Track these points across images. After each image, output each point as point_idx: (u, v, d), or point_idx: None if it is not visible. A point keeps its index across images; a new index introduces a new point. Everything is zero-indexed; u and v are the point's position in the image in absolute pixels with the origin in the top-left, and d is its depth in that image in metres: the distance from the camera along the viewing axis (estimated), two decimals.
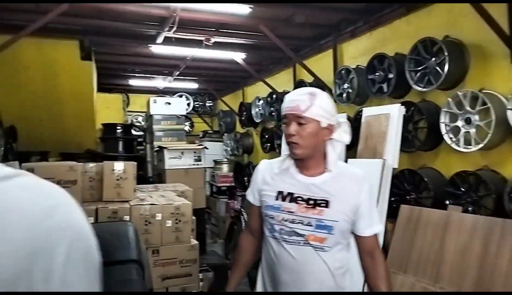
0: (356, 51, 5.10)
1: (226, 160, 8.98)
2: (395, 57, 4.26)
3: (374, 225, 1.73)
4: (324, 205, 1.66)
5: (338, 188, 1.68)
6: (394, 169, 3.88)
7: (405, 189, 4.00)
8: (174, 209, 2.92)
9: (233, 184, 8.15)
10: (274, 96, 6.77)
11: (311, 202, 1.67)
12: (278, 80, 6.94)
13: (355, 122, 4.72)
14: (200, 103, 10.49)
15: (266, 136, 7.24)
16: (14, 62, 4.94)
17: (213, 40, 5.39)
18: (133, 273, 1.43)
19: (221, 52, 5.94)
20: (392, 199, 3.95)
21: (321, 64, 5.69)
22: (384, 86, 4.36)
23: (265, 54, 6.57)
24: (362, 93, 4.79)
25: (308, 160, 1.70)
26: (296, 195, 1.70)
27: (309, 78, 5.76)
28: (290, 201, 1.70)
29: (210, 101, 10.59)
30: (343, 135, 1.72)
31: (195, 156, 6.44)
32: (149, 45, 5.54)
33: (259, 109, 7.43)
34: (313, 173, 1.71)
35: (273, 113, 6.85)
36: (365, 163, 3.97)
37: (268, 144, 7.15)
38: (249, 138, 8.40)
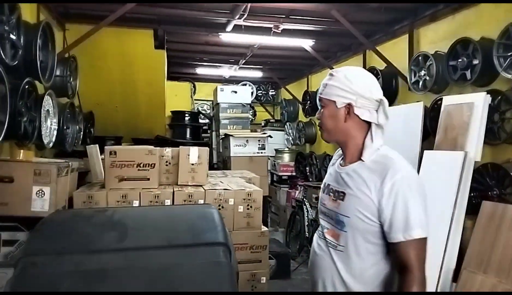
0: (435, 36, 4.79)
1: (287, 149, 8.94)
2: (480, 42, 3.93)
3: (410, 228, 1.36)
4: (341, 197, 1.51)
5: (358, 180, 1.46)
6: (475, 162, 3.61)
7: (487, 184, 3.71)
8: (246, 195, 2.94)
9: (294, 174, 8.12)
10: None
11: (336, 194, 1.55)
12: None
13: (431, 112, 4.46)
14: (263, 92, 10.51)
15: None
16: (95, 51, 5.23)
17: (282, 27, 5.33)
18: (221, 255, 1.44)
19: (289, 40, 5.86)
20: (472, 194, 3.68)
21: (395, 50, 5.43)
22: (467, 73, 4.06)
23: (334, 41, 6.39)
24: (440, 81, 4.50)
25: (344, 148, 1.58)
26: (330, 187, 1.60)
27: (381, 65, 5.52)
28: (326, 193, 1.62)
29: (273, 90, 10.56)
30: (380, 116, 1.49)
31: (259, 144, 6.47)
32: (219, 33, 5.60)
33: None
34: (347, 162, 1.56)
35: None
36: (444, 155, 3.73)
37: None
38: (312, 127, 8.27)
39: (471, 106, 3.69)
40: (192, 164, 3.10)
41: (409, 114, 4.33)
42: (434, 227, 3.60)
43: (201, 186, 3.07)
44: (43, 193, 2.34)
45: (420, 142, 4.12)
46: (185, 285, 1.31)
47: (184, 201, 2.80)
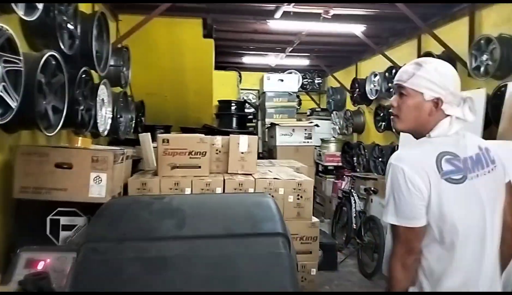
0: (499, 18, 4.44)
1: (333, 138, 8.76)
2: None
3: (385, 214, 1.51)
4: None
5: None
6: None
7: None
8: (296, 185, 2.88)
9: (340, 164, 7.93)
10: (394, 70, 6.30)
11: None
12: (399, 53, 6.44)
13: (493, 99, 4.17)
14: (309, 80, 10.32)
15: (381, 114, 6.83)
16: (146, 41, 5.32)
17: (332, 12, 5.16)
18: (281, 246, 1.39)
19: (339, 25, 5.68)
20: None
21: (453, 34, 5.11)
22: None
23: (386, 26, 6.12)
24: (504, 66, 4.18)
25: (418, 138, 1.57)
26: None
27: (437, 50, 5.22)
28: None
29: (319, 78, 10.35)
30: (467, 112, 1.50)
31: (305, 134, 6.39)
32: (267, 20, 5.52)
33: (375, 85, 7.02)
34: None
35: (391, 90, 6.40)
36: (507, 145, 3.46)
37: (383, 123, 6.74)
38: (361, 116, 8.03)
39: None
40: (242, 153, 3.08)
41: None
42: None
43: (250, 174, 3.04)
44: (100, 179, 2.40)
45: (481, 132, 3.86)
46: (246, 276, 1.27)
47: (235, 189, 2.79)
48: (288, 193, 2.86)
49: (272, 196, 2.79)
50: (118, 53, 4.41)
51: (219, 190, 2.77)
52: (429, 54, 5.34)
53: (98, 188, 2.42)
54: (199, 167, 2.90)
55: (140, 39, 5.01)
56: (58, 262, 1.90)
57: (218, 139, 3.13)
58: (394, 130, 6.10)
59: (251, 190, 2.82)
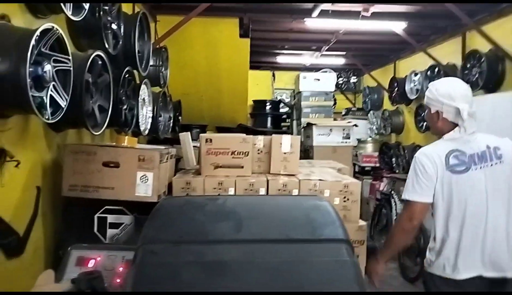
0: None
1: (370, 138, 8.56)
2: None
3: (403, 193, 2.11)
4: None
5: None
6: None
7: None
8: (343, 187, 2.78)
9: (377, 165, 7.73)
10: (436, 69, 6.07)
11: None
12: (441, 51, 6.21)
13: None
14: (344, 80, 10.15)
15: (422, 114, 6.59)
16: (183, 41, 5.35)
17: (371, 10, 5.02)
18: (345, 253, 1.32)
19: (379, 23, 5.51)
20: None
21: (502, 30, 4.87)
22: None
23: (427, 23, 5.90)
24: None
25: None
26: None
27: (484, 47, 4.98)
28: None
29: (355, 77, 10.16)
30: (465, 120, 1.97)
31: (343, 133, 6.25)
32: (304, 19, 5.43)
33: (415, 84, 6.80)
34: None
35: None
36: None
37: (425, 123, 6.51)
38: (399, 116, 7.81)
39: None
40: (285, 153, 3.01)
41: None
42: None
43: (293, 175, 2.97)
44: (146, 178, 2.40)
45: None
46: (310, 285, 1.21)
47: (278, 190, 2.73)
48: (334, 195, 2.76)
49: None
50: (157, 53, 4.45)
51: (262, 191, 2.71)
52: (475, 52, 5.12)
53: (145, 186, 2.42)
54: (242, 167, 2.86)
55: (177, 39, 5.04)
56: (109, 260, 1.89)
57: (260, 139, 3.07)
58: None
59: (295, 191, 2.75)
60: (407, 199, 2.06)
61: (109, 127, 3.35)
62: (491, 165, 1.99)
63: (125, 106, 3.35)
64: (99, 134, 2.87)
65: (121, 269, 1.75)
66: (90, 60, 2.57)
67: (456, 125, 2.01)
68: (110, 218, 2.48)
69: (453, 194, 1.97)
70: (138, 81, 3.74)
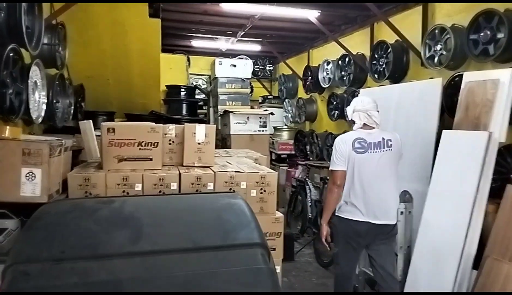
0: (452, 9, 4.49)
1: (286, 126, 8.67)
2: (507, 14, 3.65)
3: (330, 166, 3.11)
4: None
5: None
6: (499, 143, 3.38)
7: (511, 166, 3.51)
8: (260, 178, 2.66)
9: (293, 152, 7.88)
10: (347, 58, 6.26)
11: None
12: (352, 41, 6.41)
13: (448, 89, 4.21)
14: (260, 67, 10.13)
15: (334, 102, 6.80)
16: (84, 18, 4.82)
17: None
18: (260, 259, 1.17)
19: (293, 10, 5.49)
20: (494, 177, 3.47)
21: (407, 23, 5.12)
22: (490, 48, 3.80)
23: (339, 13, 6.04)
24: (458, 56, 4.23)
25: None
26: None
27: (391, 38, 5.22)
28: None
29: (271, 65, 10.20)
30: (357, 120, 3.07)
31: (260, 122, 6.19)
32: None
33: (327, 73, 6.97)
34: None
35: (344, 78, 6.37)
36: (466, 136, 3.49)
37: (337, 111, 6.72)
38: (313, 105, 7.99)
39: (497, 83, 3.44)
40: (199, 143, 2.81)
41: (425, 91, 4.07)
42: (453, 210, 3.41)
43: (208, 167, 2.78)
44: (33, 175, 2.04)
45: (437, 122, 3.88)
46: None
47: (192, 184, 2.52)
48: (251, 187, 2.63)
49: (233, 191, 2.57)
50: (52, 30, 3.91)
51: (174, 185, 2.49)
52: (382, 43, 5.34)
53: (32, 185, 2.06)
54: (151, 159, 2.60)
55: (77, 16, 4.52)
56: None
57: (172, 129, 2.82)
58: (346, 119, 6.09)
59: (210, 185, 2.57)
60: (332, 169, 3.03)
61: None
62: (384, 151, 2.98)
63: (10, 90, 2.86)
64: None
65: None
66: None
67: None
68: None
69: (355, 166, 2.96)
70: (29, 62, 3.24)
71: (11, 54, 2.85)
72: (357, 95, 5.31)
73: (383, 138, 2.99)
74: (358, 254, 3.13)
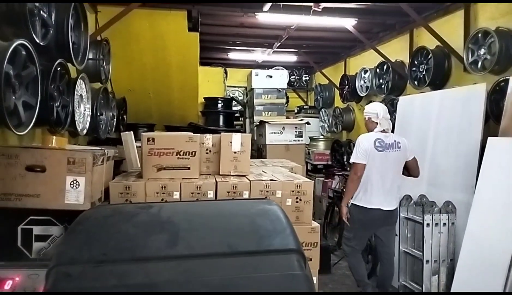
0: (496, 11, 4.31)
1: (322, 136, 8.58)
2: None
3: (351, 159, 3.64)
4: None
5: None
6: None
7: None
8: (295, 187, 2.65)
9: (329, 163, 7.76)
10: (385, 66, 6.14)
11: None
12: (390, 48, 6.29)
13: (492, 94, 4.03)
14: (296, 77, 10.13)
15: None
16: (127, 34, 5.01)
17: (323, 5, 4.96)
18: (296, 265, 1.16)
19: (330, 19, 5.47)
20: None
21: (448, 28, 4.97)
22: None
23: (377, 20, 5.95)
24: (503, 60, 4.05)
25: None
26: None
27: (431, 44, 5.07)
28: None
29: (306, 75, 10.18)
30: (382, 123, 3.62)
31: (296, 132, 6.19)
32: (255, 13, 5.27)
33: (365, 82, 6.86)
34: None
35: (383, 86, 6.24)
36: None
37: None
38: (350, 114, 7.88)
39: None
40: (235, 152, 2.84)
41: (469, 97, 3.92)
42: (501, 221, 3.22)
43: (244, 176, 2.80)
44: (77, 183, 2.13)
45: (482, 128, 3.72)
46: None
47: (228, 192, 2.55)
48: (286, 196, 2.62)
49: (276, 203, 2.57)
50: (97, 46, 4.11)
51: (211, 194, 2.52)
52: (422, 49, 5.20)
53: (76, 193, 2.15)
54: (188, 168, 2.65)
55: (120, 32, 4.71)
56: (29, 280, 1.63)
57: (208, 138, 2.88)
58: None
59: (245, 193, 2.59)
60: (354, 162, 3.54)
61: (39, 126, 3.02)
62: (395, 151, 3.56)
63: (57, 103, 3.02)
64: (24, 135, 2.54)
65: None
66: (11, 50, 2.26)
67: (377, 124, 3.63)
68: (36, 230, 2.20)
69: (375, 161, 3.49)
70: (75, 76, 3.41)
71: (59, 69, 3.01)
72: (396, 103, 5.22)
73: (395, 141, 3.58)
74: (368, 236, 3.89)
